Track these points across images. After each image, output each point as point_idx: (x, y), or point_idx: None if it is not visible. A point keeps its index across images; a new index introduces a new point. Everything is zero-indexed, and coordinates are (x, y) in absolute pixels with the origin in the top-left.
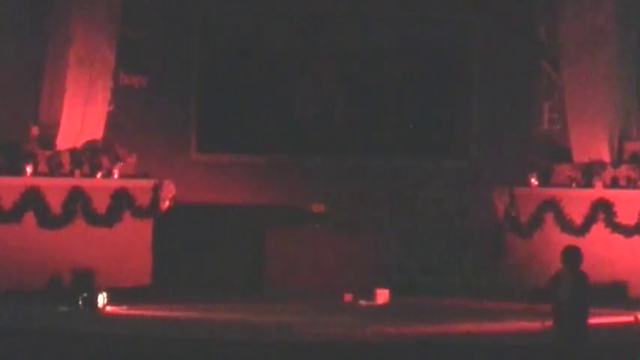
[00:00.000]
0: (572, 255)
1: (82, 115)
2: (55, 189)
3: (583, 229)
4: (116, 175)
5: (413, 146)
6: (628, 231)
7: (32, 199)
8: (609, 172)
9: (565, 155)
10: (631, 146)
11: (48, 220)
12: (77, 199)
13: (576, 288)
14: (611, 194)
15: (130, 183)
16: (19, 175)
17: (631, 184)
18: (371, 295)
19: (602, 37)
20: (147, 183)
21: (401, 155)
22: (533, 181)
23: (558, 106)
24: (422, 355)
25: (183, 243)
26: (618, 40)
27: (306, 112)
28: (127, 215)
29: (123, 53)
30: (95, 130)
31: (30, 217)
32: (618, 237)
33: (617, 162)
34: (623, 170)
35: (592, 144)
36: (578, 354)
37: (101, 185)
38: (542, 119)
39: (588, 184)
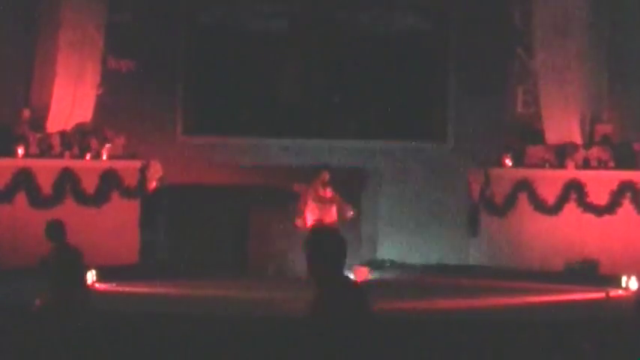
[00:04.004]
0: (56, 228)
1: (71, 98)
2: (46, 170)
3: (556, 209)
4: (105, 157)
5: (391, 129)
6: (599, 211)
7: (24, 180)
8: (581, 154)
9: (538, 137)
10: (602, 128)
11: (39, 201)
12: (67, 180)
13: (64, 260)
14: (582, 175)
15: (118, 164)
16: (11, 157)
17: (602, 165)
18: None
19: (575, 22)
20: (134, 164)
21: (379, 138)
22: (508, 162)
23: (532, 90)
24: (401, 330)
25: (170, 222)
26: (590, 26)
27: (289, 95)
28: (116, 195)
29: (111, 38)
30: (84, 113)
31: (22, 198)
32: (590, 216)
33: (588, 144)
34: (595, 152)
35: (564, 126)
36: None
37: (90, 166)
38: (517, 102)
39: (561, 165)
